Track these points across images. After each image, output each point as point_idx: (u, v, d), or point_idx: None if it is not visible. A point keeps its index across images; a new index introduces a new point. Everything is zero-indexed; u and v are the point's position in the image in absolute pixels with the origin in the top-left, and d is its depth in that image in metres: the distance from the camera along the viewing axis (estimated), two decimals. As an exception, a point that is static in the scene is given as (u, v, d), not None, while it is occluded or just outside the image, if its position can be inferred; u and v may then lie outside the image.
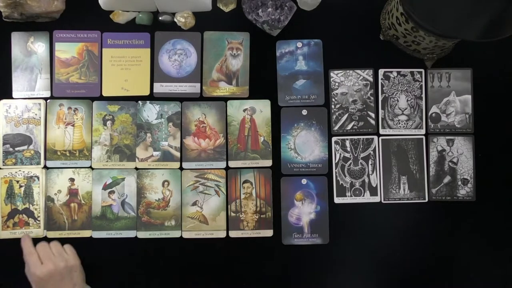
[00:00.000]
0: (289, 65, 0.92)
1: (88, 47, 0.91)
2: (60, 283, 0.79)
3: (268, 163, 0.91)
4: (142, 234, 0.89)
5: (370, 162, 0.91)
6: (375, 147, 0.91)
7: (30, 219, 0.88)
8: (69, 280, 0.80)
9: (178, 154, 0.90)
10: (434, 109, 0.92)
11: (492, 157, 0.91)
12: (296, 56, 0.92)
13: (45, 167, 0.89)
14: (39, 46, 0.91)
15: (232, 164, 0.90)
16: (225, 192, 0.90)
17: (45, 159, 0.89)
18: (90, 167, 0.89)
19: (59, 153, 0.89)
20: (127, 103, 0.91)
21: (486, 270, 0.90)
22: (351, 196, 0.90)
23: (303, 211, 0.90)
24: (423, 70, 0.92)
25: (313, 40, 0.93)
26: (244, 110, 0.91)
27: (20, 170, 0.88)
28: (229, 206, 0.90)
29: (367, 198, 0.90)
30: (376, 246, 0.90)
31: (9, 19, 0.89)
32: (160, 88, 0.91)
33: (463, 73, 0.92)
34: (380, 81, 0.92)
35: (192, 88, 0.92)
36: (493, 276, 0.90)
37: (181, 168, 0.90)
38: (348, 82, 0.92)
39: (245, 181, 0.90)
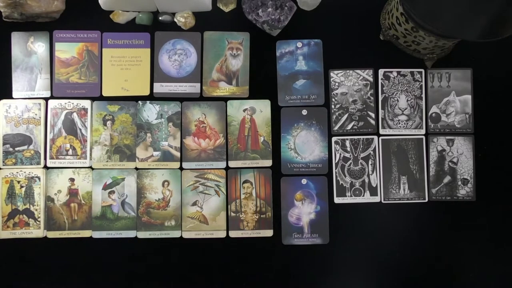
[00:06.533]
0: (289, 65, 0.92)
1: (88, 47, 0.91)
2: None
3: (268, 163, 0.91)
4: (142, 234, 0.89)
5: (370, 162, 0.91)
6: (375, 147, 0.91)
7: (30, 219, 0.88)
8: None
9: (178, 154, 0.90)
10: (434, 109, 0.92)
11: (492, 157, 0.91)
12: (296, 56, 0.92)
13: (45, 167, 0.89)
14: (39, 46, 0.91)
15: (232, 164, 0.90)
16: (225, 192, 0.90)
17: (45, 159, 0.89)
18: (90, 167, 0.89)
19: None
20: (127, 103, 0.91)
21: (486, 270, 0.90)
22: (351, 196, 0.90)
23: (303, 211, 0.90)
24: (423, 70, 0.92)
25: (313, 40, 0.93)
26: (244, 110, 0.91)
27: (21, 171, 0.88)
28: (229, 206, 0.90)
29: (367, 198, 0.90)
30: (376, 246, 0.90)
31: (9, 19, 0.89)
32: (160, 88, 0.91)
33: (463, 73, 0.92)
34: (380, 81, 0.92)
35: (192, 88, 0.91)
36: (493, 275, 0.90)
37: (181, 168, 0.90)
38: (348, 82, 0.92)
39: (245, 181, 0.90)
